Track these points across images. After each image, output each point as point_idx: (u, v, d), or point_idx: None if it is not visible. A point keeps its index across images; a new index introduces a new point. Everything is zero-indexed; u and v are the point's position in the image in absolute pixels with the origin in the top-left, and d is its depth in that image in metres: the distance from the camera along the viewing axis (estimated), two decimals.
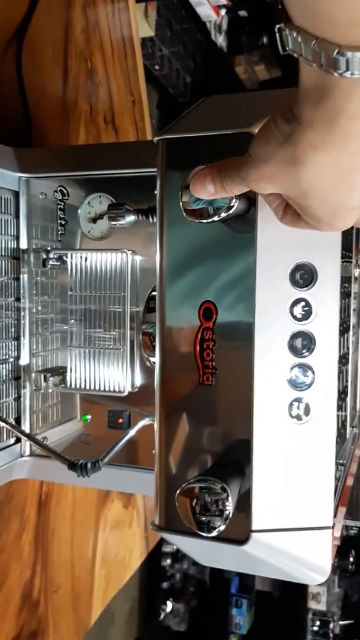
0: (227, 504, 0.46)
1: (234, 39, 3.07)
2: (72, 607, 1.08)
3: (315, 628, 2.81)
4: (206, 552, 0.55)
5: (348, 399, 0.68)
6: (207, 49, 3.13)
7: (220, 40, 3.06)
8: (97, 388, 0.71)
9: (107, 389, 0.71)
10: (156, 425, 0.55)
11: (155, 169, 0.54)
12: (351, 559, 2.69)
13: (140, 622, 3.37)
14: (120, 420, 0.72)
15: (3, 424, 0.69)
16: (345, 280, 0.62)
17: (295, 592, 2.83)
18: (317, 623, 2.81)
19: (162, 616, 3.30)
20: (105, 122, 1.16)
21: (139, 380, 0.72)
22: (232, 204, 0.46)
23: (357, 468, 0.71)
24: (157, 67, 2.92)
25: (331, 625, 2.78)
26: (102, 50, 1.15)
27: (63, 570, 1.04)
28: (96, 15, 1.13)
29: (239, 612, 3.12)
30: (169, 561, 3.27)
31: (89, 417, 0.74)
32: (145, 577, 3.34)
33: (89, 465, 0.60)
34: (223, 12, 2.86)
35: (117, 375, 0.71)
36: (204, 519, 0.49)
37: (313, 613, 2.84)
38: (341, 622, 2.82)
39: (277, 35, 0.34)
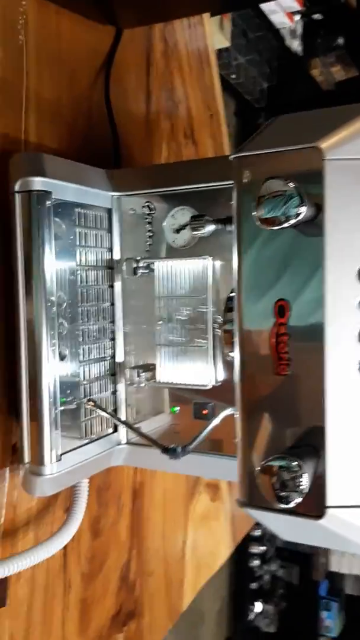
0: (302, 479, 0.52)
1: (309, 42, 3.08)
2: (164, 592, 1.13)
3: None
4: (287, 527, 0.60)
5: None
6: (282, 54, 3.16)
7: (295, 45, 3.08)
8: (183, 382, 0.79)
9: (192, 383, 0.78)
10: (237, 415, 0.61)
11: (231, 182, 0.61)
12: None
13: (229, 622, 3.41)
14: (205, 412, 0.78)
15: (104, 414, 0.77)
16: None
17: None
18: None
19: (251, 617, 3.33)
20: (185, 137, 1.24)
21: (221, 375, 0.78)
22: (299, 212, 0.52)
23: None
24: (233, 76, 2.99)
25: None
26: (180, 71, 1.23)
27: (156, 558, 1.09)
28: (174, 37, 1.21)
29: (328, 615, 3.10)
30: (257, 562, 3.30)
31: (177, 408, 0.82)
32: (234, 578, 3.38)
33: (178, 449, 0.67)
34: (297, 17, 2.89)
35: (201, 371, 0.77)
36: (282, 494, 0.54)
37: None
38: None
39: None
